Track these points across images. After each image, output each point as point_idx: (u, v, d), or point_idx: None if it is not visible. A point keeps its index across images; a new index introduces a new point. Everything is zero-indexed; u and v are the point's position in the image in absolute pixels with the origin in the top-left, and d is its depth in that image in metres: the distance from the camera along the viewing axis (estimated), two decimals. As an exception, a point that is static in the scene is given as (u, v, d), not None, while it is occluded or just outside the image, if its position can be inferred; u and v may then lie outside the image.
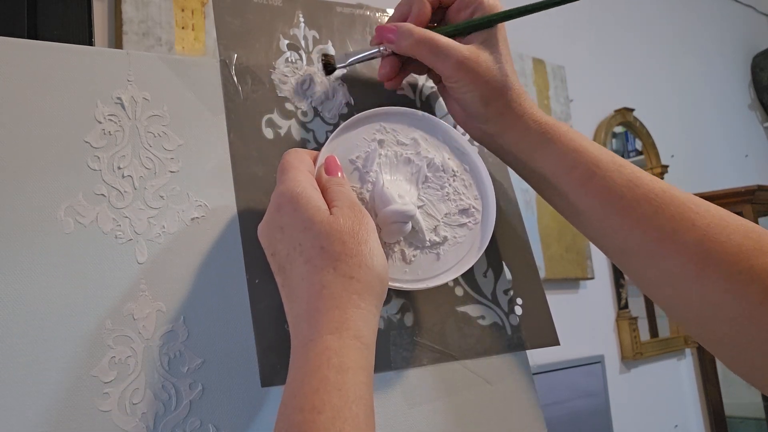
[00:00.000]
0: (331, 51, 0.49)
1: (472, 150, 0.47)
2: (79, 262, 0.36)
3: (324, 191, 0.38)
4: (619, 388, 1.89)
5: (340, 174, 0.40)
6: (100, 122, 0.39)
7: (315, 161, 0.41)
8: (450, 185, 0.45)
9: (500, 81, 0.44)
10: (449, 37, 0.45)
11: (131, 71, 0.42)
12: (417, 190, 0.43)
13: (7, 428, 0.32)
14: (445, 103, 0.50)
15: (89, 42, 0.93)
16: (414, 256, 0.42)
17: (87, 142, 0.39)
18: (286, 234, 0.35)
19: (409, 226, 0.41)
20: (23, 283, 0.35)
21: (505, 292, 0.48)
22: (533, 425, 0.46)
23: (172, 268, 0.39)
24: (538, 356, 1.53)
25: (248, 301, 0.39)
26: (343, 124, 0.43)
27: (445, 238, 0.43)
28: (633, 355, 1.93)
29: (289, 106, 0.46)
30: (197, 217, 0.40)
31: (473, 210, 0.45)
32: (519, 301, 0.48)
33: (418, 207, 0.43)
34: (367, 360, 0.32)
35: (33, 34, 0.86)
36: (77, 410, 0.34)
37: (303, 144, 0.45)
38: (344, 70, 0.48)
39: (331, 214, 0.35)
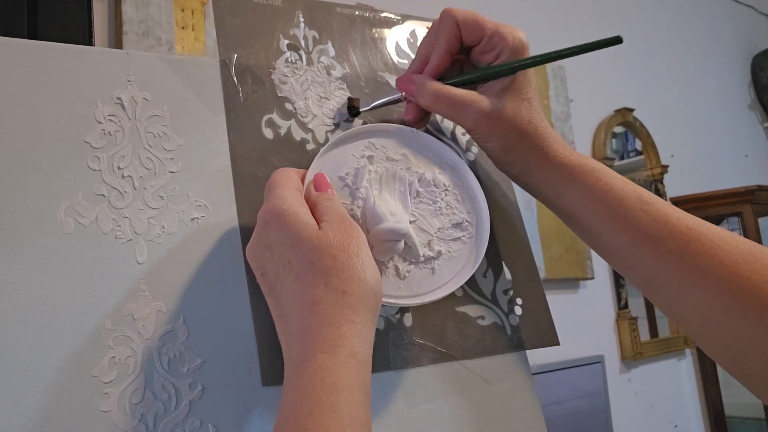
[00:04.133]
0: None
1: (463, 165, 0.47)
2: (78, 262, 0.36)
3: (313, 207, 0.37)
4: (619, 388, 1.89)
5: (329, 191, 0.39)
6: (100, 122, 0.39)
7: (303, 179, 0.40)
8: (442, 200, 0.44)
9: (521, 129, 0.43)
10: (470, 84, 0.45)
11: (131, 71, 0.42)
12: (408, 205, 0.43)
13: (7, 428, 0.32)
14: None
15: (89, 42, 0.93)
16: (408, 271, 0.41)
17: (87, 142, 0.39)
18: (274, 252, 0.35)
19: (402, 243, 0.40)
20: (23, 283, 0.35)
21: (505, 292, 0.48)
22: (533, 425, 0.46)
23: (172, 269, 0.39)
24: (538, 356, 1.53)
25: (248, 300, 0.39)
26: (330, 141, 0.43)
27: (440, 253, 0.43)
28: (633, 355, 1.93)
29: (289, 106, 0.46)
30: (197, 218, 0.40)
31: (466, 224, 0.45)
32: (519, 301, 0.48)
33: (411, 222, 0.42)
34: (363, 378, 0.31)
35: (33, 34, 0.86)
36: (77, 410, 0.34)
37: (303, 144, 0.45)
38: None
39: (320, 229, 0.34)
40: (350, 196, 0.41)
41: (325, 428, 0.28)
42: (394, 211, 0.41)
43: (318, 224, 0.35)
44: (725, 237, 0.38)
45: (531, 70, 0.45)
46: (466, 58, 0.47)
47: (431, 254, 0.42)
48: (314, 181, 0.39)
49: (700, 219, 0.40)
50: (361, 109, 0.47)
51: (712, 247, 0.37)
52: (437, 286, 0.42)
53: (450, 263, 0.43)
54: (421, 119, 0.48)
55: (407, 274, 0.41)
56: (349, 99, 0.47)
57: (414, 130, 0.47)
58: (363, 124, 0.47)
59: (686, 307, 0.38)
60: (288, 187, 0.37)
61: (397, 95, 0.47)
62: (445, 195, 0.45)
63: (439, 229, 0.43)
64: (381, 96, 0.48)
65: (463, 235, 0.44)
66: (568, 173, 0.43)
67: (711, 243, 0.37)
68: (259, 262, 0.36)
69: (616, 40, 0.43)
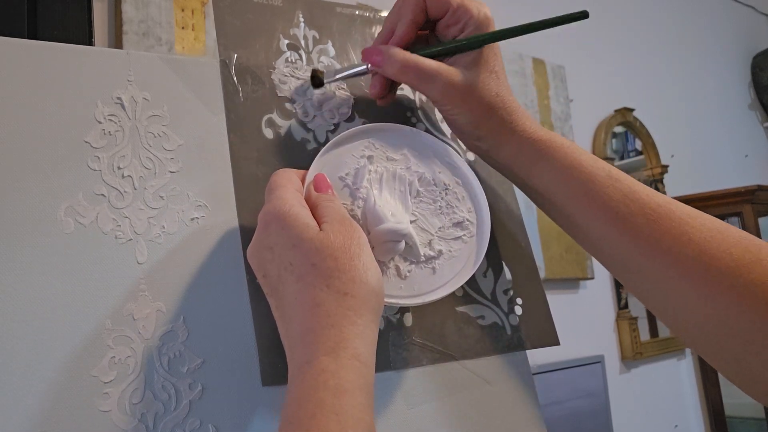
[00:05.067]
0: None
1: (463, 163, 0.47)
2: (79, 262, 0.36)
3: (314, 208, 0.37)
4: (619, 388, 1.89)
5: (330, 191, 0.39)
6: (100, 122, 0.39)
7: (303, 180, 0.40)
8: (442, 199, 0.44)
9: (490, 101, 0.43)
10: (437, 57, 0.44)
11: (131, 71, 0.42)
12: (409, 205, 0.43)
13: (7, 428, 0.32)
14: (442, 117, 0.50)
15: (89, 42, 0.93)
16: (409, 271, 0.41)
17: (87, 142, 0.39)
18: (275, 254, 0.34)
19: (403, 244, 0.40)
20: (23, 283, 0.35)
21: (505, 292, 0.48)
22: (533, 425, 0.46)
23: (172, 269, 0.39)
24: (538, 356, 1.53)
25: (248, 300, 0.39)
26: (330, 142, 0.43)
27: (440, 252, 0.42)
28: (633, 355, 1.93)
29: (289, 106, 0.46)
30: (197, 217, 0.40)
31: (467, 223, 0.44)
32: (519, 301, 0.48)
33: (411, 221, 0.42)
34: (366, 379, 0.31)
35: (33, 34, 0.86)
36: (77, 410, 0.34)
37: (303, 144, 0.45)
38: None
39: (321, 230, 0.34)
40: (350, 197, 0.41)
41: (327, 431, 0.28)
42: (394, 212, 0.41)
43: (319, 225, 0.35)
44: (694, 214, 0.38)
45: (498, 44, 0.45)
46: (432, 34, 0.47)
47: (432, 254, 0.42)
48: (314, 181, 0.39)
49: (667, 197, 0.40)
50: (325, 81, 0.46)
51: (681, 224, 0.37)
52: (438, 285, 0.42)
53: (451, 262, 0.43)
54: (386, 93, 0.47)
55: (408, 274, 0.41)
56: (313, 71, 0.46)
57: (414, 129, 0.46)
58: (363, 123, 0.47)
59: (658, 290, 0.38)
60: (288, 188, 0.37)
61: (363, 66, 0.46)
62: (446, 194, 0.45)
63: (440, 228, 0.43)
64: (345, 68, 0.46)
65: (464, 234, 0.44)
66: (538, 149, 0.43)
67: (680, 220, 0.37)
68: (261, 264, 0.36)
69: (582, 15, 0.43)
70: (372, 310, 0.34)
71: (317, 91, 0.47)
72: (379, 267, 0.36)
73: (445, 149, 0.47)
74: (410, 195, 0.43)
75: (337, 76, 0.46)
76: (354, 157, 0.43)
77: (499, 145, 0.44)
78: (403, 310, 0.43)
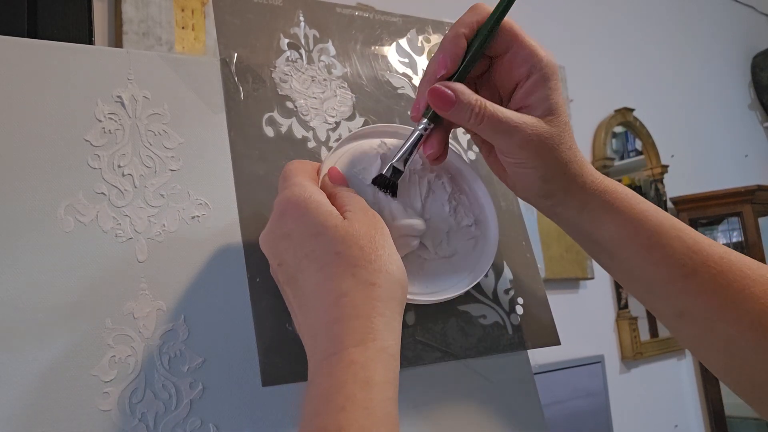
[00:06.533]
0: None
1: (470, 171, 0.47)
2: (79, 260, 0.36)
3: (332, 197, 0.36)
4: (619, 388, 1.89)
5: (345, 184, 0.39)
6: (100, 121, 0.39)
7: (317, 173, 0.39)
8: (452, 202, 0.45)
9: (565, 156, 0.40)
10: (473, 62, 0.40)
11: (131, 70, 0.42)
12: (422, 204, 0.43)
13: (7, 428, 0.32)
14: (490, 167, 0.45)
15: (89, 41, 0.93)
16: (421, 268, 0.42)
17: (87, 140, 0.39)
18: (294, 241, 0.33)
19: (418, 241, 0.40)
20: (23, 282, 0.35)
21: (506, 291, 0.48)
22: (533, 425, 0.46)
23: (173, 267, 0.38)
24: (538, 356, 1.53)
25: (249, 299, 0.39)
26: (343, 138, 0.43)
27: (454, 252, 0.43)
28: (633, 355, 1.93)
29: (289, 104, 0.46)
30: (198, 216, 0.40)
31: (475, 227, 0.45)
32: (520, 300, 0.48)
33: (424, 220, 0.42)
34: (394, 372, 0.31)
35: (33, 34, 0.86)
36: (77, 410, 0.34)
37: (304, 142, 0.45)
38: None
39: (345, 218, 0.34)
40: (363, 193, 0.40)
41: (359, 426, 0.27)
42: (409, 208, 0.41)
43: (341, 213, 0.34)
44: (752, 266, 0.37)
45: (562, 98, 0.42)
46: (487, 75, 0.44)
47: (444, 254, 0.43)
48: (329, 174, 0.39)
49: (725, 246, 0.39)
50: (397, 165, 0.41)
51: (742, 278, 0.37)
52: (450, 285, 0.42)
53: (462, 263, 0.43)
54: (442, 153, 0.42)
55: (421, 272, 0.41)
56: (388, 175, 0.41)
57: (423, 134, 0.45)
58: (364, 121, 0.47)
59: (716, 340, 0.38)
60: (305, 176, 0.36)
61: (418, 135, 0.41)
62: (455, 197, 0.45)
63: (451, 228, 0.44)
64: (401, 147, 0.42)
65: (473, 238, 0.45)
66: (604, 201, 0.41)
67: (740, 273, 0.37)
68: (276, 252, 0.35)
69: None
70: (397, 302, 0.33)
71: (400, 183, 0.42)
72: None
73: (453, 155, 0.47)
74: (423, 194, 0.43)
75: (402, 153, 0.41)
76: (367, 154, 0.43)
77: (567, 201, 0.41)
78: (405, 308, 0.43)
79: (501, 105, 0.40)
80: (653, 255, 0.39)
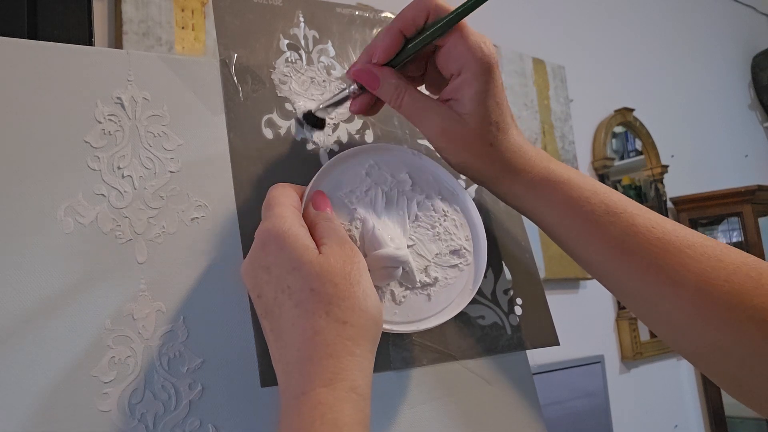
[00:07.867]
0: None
1: (462, 191, 0.46)
2: (78, 262, 0.36)
3: (312, 227, 0.36)
4: (619, 388, 1.89)
5: (328, 210, 0.38)
6: (99, 122, 0.39)
7: (302, 197, 0.39)
8: (441, 225, 0.43)
9: (493, 145, 0.41)
10: (418, 48, 0.41)
11: (131, 71, 0.42)
12: (407, 229, 0.42)
13: (7, 428, 0.32)
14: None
15: (89, 42, 0.93)
16: (404, 296, 0.40)
17: (87, 142, 0.39)
18: (273, 275, 0.33)
19: (401, 270, 0.39)
20: (23, 283, 0.35)
21: (505, 291, 0.48)
22: (533, 425, 0.46)
23: (172, 268, 0.39)
24: (538, 356, 1.53)
25: (248, 300, 0.39)
26: (331, 160, 0.42)
27: (436, 279, 0.42)
28: (633, 355, 1.93)
29: (289, 106, 0.46)
30: (197, 217, 0.40)
31: (464, 251, 0.44)
32: (519, 301, 0.48)
33: (409, 246, 0.41)
34: (363, 412, 0.31)
35: (33, 34, 0.86)
36: (77, 410, 0.34)
37: (302, 144, 0.45)
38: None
39: (320, 252, 0.33)
40: (348, 216, 0.40)
41: None
42: (393, 236, 0.40)
43: (318, 246, 0.34)
44: (694, 244, 0.37)
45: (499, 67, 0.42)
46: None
47: (428, 280, 0.41)
48: (313, 199, 0.38)
49: (668, 224, 0.39)
50: (317, 113, 0.45)
51: (681, 257, 0.37)
52: (433, 313, 0.41)
53: (446, 290, 0.42)
54: (370, 108, 0.45)
55: (403, 300, 0.40)
56: (305, 116, 0.45)
57: (416, 152, 0.45)
58: (362, 124, 0.47)
59: (660, 317, 0.38)
60: (287, 206, 0.36)
61: (345, 92, 0.44)
62: (444, 221, 0.44)
63: (437, 254, 0.43)
64: (328, 99, 0.45)
65: (461, 263, 0.43)
66: (537, 190, 0.42)
67: (680, 252, 0.37)
68: (256, 284, 0.34)
69: None
70: (370, 339, 0.33)
71: (318, 132, 0.46)
72: (377, 294, 0.35)
73: (446, 175, 0.46)
74: (409, 219, 0.42)
75: (326, 106, 0.45)
76: (354, 177, 0.42)
77: (498, 185, 0.43)
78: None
79: (445, 86, 0.42)
80: (586, 240, 0.40)
